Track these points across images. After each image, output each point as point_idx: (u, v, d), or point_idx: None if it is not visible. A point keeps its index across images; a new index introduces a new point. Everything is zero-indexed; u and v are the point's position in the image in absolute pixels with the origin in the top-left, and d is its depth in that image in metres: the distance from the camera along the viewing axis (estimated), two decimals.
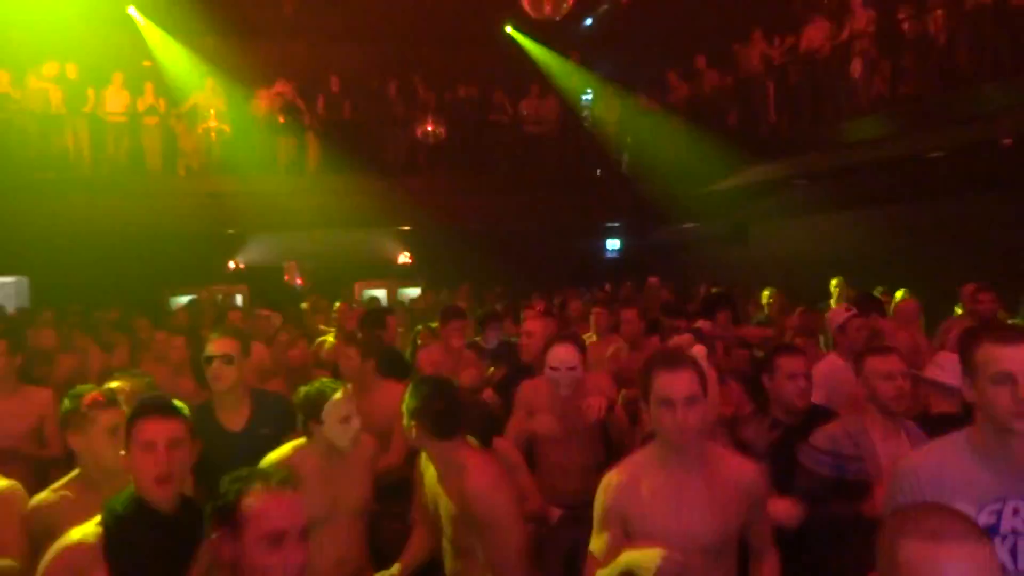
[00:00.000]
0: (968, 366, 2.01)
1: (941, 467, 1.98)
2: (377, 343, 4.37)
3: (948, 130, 8.42)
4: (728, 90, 11.48)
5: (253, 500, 1.64)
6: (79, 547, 2.02)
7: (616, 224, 15.08)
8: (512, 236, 14.25)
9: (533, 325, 4.60)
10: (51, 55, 11.59)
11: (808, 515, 2.75)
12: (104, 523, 2.07)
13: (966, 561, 1.22)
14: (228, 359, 3.23)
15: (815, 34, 10.06)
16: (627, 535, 2.24)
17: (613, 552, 2.21)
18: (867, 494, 2.67)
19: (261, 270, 13.96)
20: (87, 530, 2.07)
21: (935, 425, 3.33)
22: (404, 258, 14.90)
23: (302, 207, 12.19)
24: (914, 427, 2.90)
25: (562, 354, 3.57)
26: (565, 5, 6.66)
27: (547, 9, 6.63)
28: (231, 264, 14.15)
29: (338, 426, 2.79)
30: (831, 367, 4.13)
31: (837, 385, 3.90)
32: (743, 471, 2.32)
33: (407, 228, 14.17)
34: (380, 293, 13.50)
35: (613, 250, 16.13)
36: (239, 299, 12.82)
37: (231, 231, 13.33)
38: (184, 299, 13.06)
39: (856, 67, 8.98)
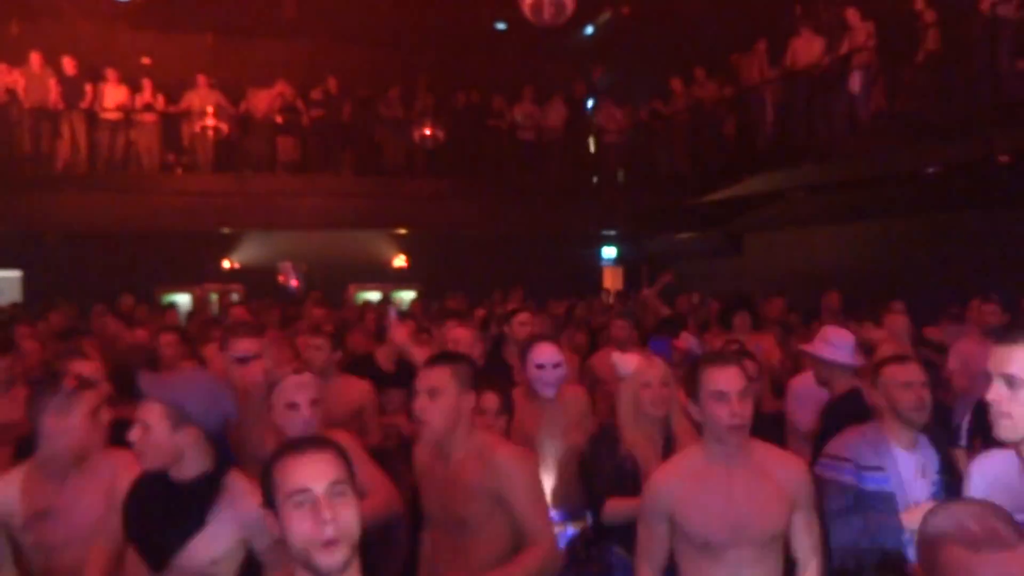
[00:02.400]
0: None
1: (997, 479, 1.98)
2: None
3: (945, 146, 8.46)
4: (726, 101, 11.51)
5: (280, 465, 1.66)
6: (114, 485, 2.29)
7: (612, 232, 15.08)
8: (508, 242, 14.24)
9: (458, 333, 4.38)
10: (49, 48, 11.55)
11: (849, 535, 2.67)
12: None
13: (1007, 568, 1.25)
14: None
15: (802, 47, 10.11)
16: (673, 530, 2.34)
17: (663, 548, 2.36)
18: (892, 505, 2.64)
19: (256, 270, 13.91)
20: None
21: (845, 404, 3.52)
22: (400, 261, 14.87)
23: (298, 208, 12.18)
24: (926, 440, 2.83)
25: (547, 351, 3.53)
26: (565, 12, 6.67)
27: (547, 16, 6.64)
28: (226, 263, 14.11)
29: (284, 411, 2.77)
30: (805, 384, 4.11)
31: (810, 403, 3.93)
32: (790, 467, 2.39)
33: (403, 231, 14.15)
34: (375, 296, 13.49)
35: (609, 258, 16.14)
36: (234, 298, 12.75)
37: (226, 230, 13.30)
38: (178, 297, 13.06)
39: (855, 81, 9.00)
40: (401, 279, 14.60)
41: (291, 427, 2.75)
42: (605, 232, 15.08)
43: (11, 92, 11.19)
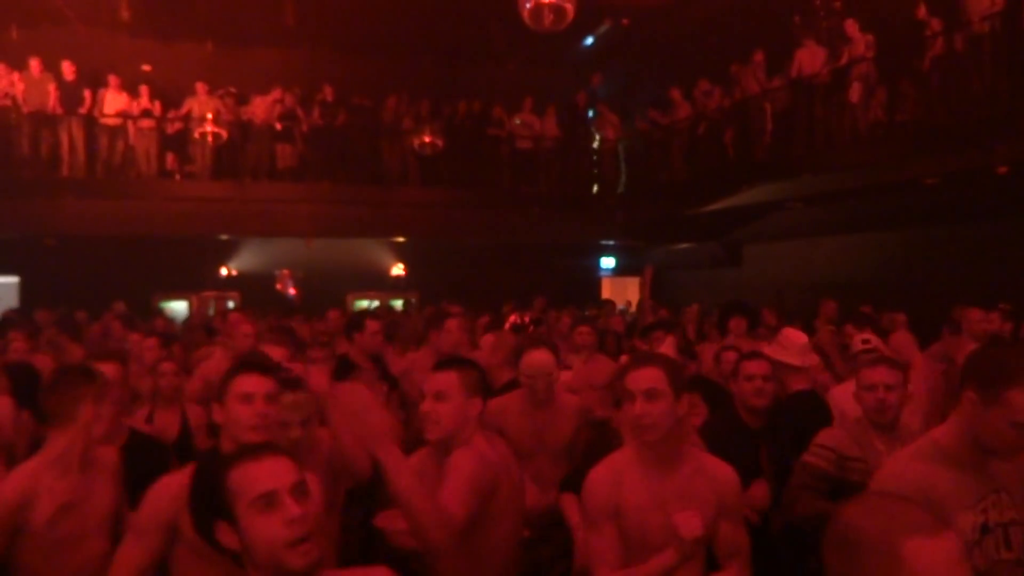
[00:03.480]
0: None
1: (926, 479, 2.01)
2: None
3: (944, 156, 8.45)
4: (725, 111, 11.53)
5: (238, 472, 1.61)
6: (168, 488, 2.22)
7: (611, 242, 15.07)
8: (507, 251, 14.23)
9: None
10: (48, 54, 11.56)
11: (808, 514, 2.79)
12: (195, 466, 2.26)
13: (955, 545, 1.27)
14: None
15: (806, 58, 10.13)
16: (620, 530, 2.26)
17: (614, 547, 2.25)
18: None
19: (253, 277, 13.89)
20: (181, 475, 2.26)
21: (794, 402, 3.61)
22: (398, 270, 14.85)
23: (297, 215, 12.17)
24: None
25: (538, 359, 3.52)
26: (566, 19, 6.67)
27: (547, 22, 6.64)
28: (223, 271, 14.08)
29: (275, 429, 2.74)
30: None
31: None
32: (719, 472, 2.34)
33: (401, 239, 14.14)
34: (373, 305, 13.45)
35: (607, 268, 16.12)
36: (231, 305, 12.73)
37: (225, 237, 13.28)
38: (174, 304, 13.03)
39: (855, 92, 9.00)
40: (399, 287, 14.57)
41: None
42: (604, 242, 15.07)
43: (11, 97, 11.18)
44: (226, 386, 2.32)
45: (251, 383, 2.30)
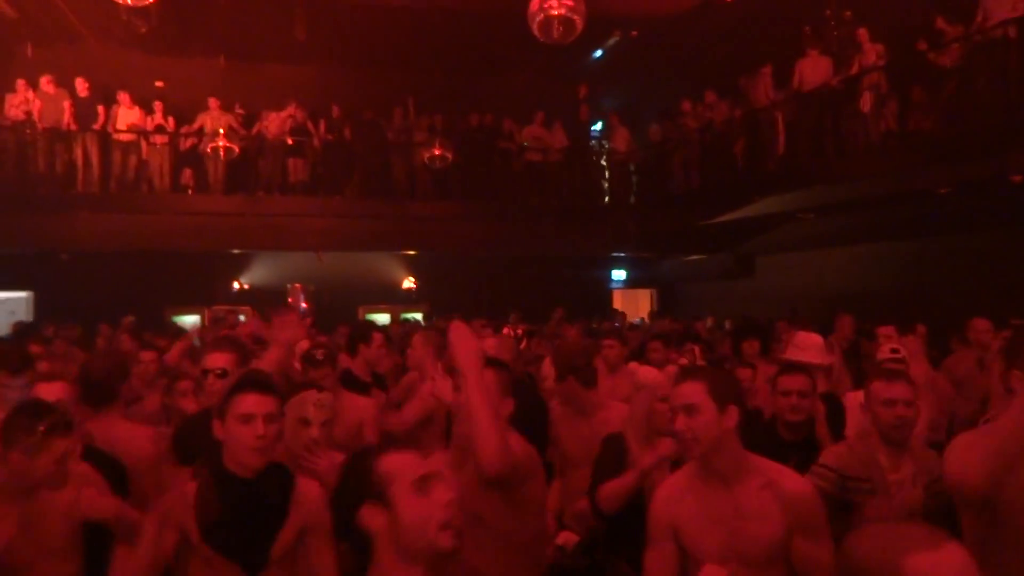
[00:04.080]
0: None
1: None
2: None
3: (957, 165, 8.38)
4: (736, 122, 11.50)
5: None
6: (180, 497, 2.26)
7: (622, 254, 15.04)
8: (518, 264, 14.23)
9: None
10: (63, 71, 11.70)
11: None
12: (198, 479, 2.28)
13: (958, 556, 1.27)
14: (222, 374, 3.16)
15: (808, 68, 10.12)
16: (680, 547, 2.25)
17: (668, 566, 2.24)
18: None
19: (265, 291, 13.94)
20: (190, 484, 2.29)
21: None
22: (409, 283, 14.86)
23: (308, 229, 12.21)
24: (923, 453, 2.82)
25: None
26: (575, 31, 6.68)
27: (556, 34, 6.65)
28: (235, 285, 14.14)
29: (294, 424, 2.74)
30: None
31: None
32: (791, 486, 2.26)
33: (412, 253, 14.16)
34: (384, 318, 13.46)
35: (618, 280, 16.09)
36: (242, 319, 12.74)
37: (237, 251, 13.34)
38: (186, 317, 13.07)
39: (865, 102, 8.96)
40: (410, 300, 14.59)
41: (295, 442, 2.72)
42: (615, 254, 15.04)
43: (26, 113, 11.31)
44: (226, 405, 2.28)
45: (251, 403, 2.26)
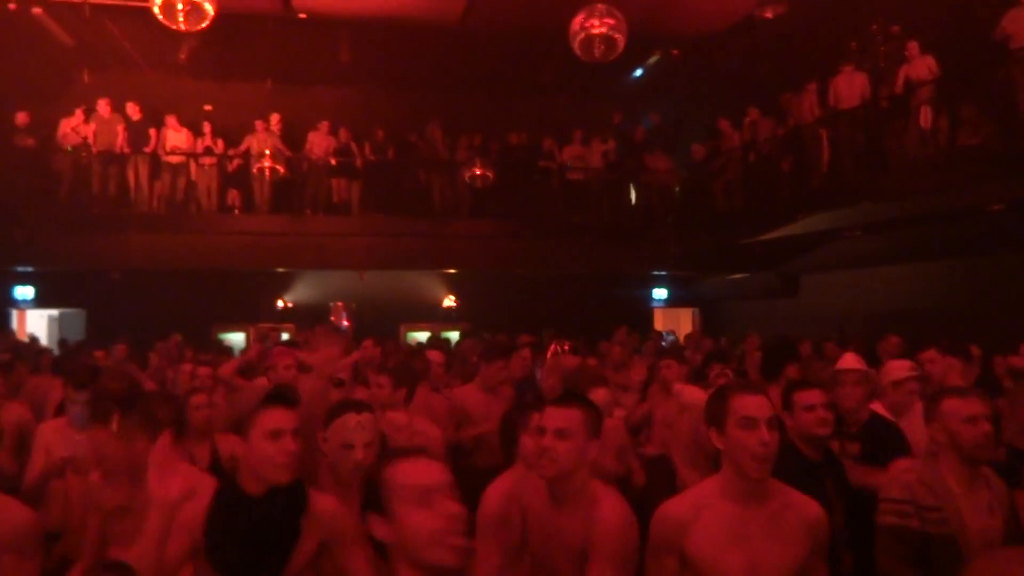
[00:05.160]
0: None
1: None
2: (410, 373, 4.29)
3: (1010, 182, 8.16)
4: (780, 139, 11.37)
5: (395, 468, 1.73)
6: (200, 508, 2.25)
7: (663, 273, 14.93)
8: (558, 282, 14.21)
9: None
10: (117, 95, 12.08)
11: None
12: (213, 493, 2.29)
13: None
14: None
15: (843, 84, 9.98)
16: (685, 569, 2.18)
17: None
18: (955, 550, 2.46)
19: (308, 309, 14.13)
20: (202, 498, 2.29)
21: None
22: (449, 301, 14.93)
23: (351, 248, 12.37)
24: (992, 474, 2.68)
25: (600, 397, 3.47)
26: (616, 50, 6.69)
27: (598, 53, 6.66)
28: (279, 303, 14.36)
29: (338, 449, 2.73)
30: None
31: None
32: (809, 509, 2.23)
33: (453, 271, 14.23)
34: (424, 336, 13.53)
35: (659, 299, 15.96)
36: (285, 337, 12.92)
37: (281, 269, 13.56)
38: (232, 335, 13.30)
39: (924, 116, 8.76)
40: (450, 319, 14.64)
41: (343, 465, 2.74)
42: (656, 272, 14.93)
43: (81, 138, 11.69)
44: (251, 420, 2.28)
45: (280, 418, 2.25)
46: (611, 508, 2.34)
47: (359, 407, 2.94)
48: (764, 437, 2.11)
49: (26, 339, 11.59)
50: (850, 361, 4.04)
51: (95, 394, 3.52)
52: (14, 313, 13.30)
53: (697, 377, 5.46)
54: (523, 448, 2.64)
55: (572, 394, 2.58)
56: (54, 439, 3.68)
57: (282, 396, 2.36)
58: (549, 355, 6.00)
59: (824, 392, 3.24)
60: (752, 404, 2.17)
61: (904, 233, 10.85)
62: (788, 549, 2.12)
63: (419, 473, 1.65)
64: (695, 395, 3.18)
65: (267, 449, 2.21)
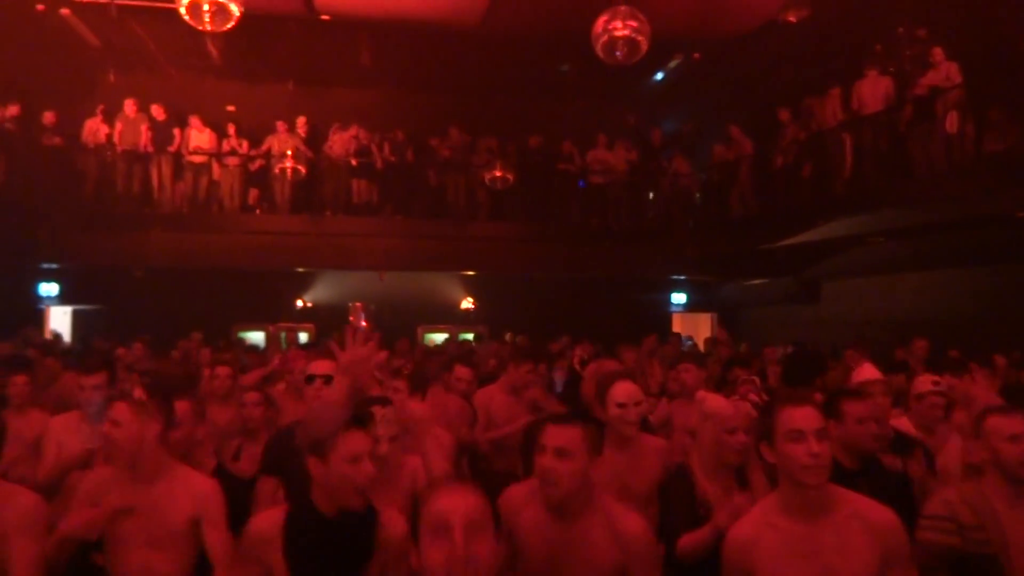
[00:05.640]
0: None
1: None
2: (424, 378, 4.30)
3: None
4: (802, 144, 11.27)
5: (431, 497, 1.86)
6: (267, 527, 2.24)
7: (682, 277, 14.85)
8: (576, 286, 14.18)
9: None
10: (142, 96, 12.21)
11: None
12: (287, 514, 2.28)
13: None
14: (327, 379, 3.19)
15: (867, 88, 9.87)
16: None
17: None
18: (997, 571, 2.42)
19: (327, 309, 14.20)
20: (274, 515, 2.29)
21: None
22: (467, 303, 14.94)
23: (371, 249, 12.41)
24: None
25: (628, 389, 3.38)
26: (639, 52, 6.66)
27: (620, 55, 6.63)
28: (299, 302, 14.44)
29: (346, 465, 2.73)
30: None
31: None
32: (879, 516, 2.16)
33: (472, 273, 14.24)
34: (441, 338, 13.55)
35: (678, 304, 15.87)
36: (304, 336, 13.00)
37: (301, 269, 13.63)
38: (252, 334, 13.39)
39: (951, 122, 8.64)
40: (468, 321, 14.65)
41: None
42: (675, 277, 14.86)
43: (105, 136, 11.83)
44: (332, 443, 2.26)
45: (360, 443, 2.26)
46: (635, 521, 2.35)
47: (382, 401, 2.94)
48: (813, 448, 2.10)
49: (49, 336, 11.76)
50: (871, 371, 3.97)
51: (152, 378, 3.55)
52: (48, 310, 13.50)
53: (721, 382, 5.40)
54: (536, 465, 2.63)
55: (572, 412, 2.56)
56: (66, 434, 3.66)
57: (360, 419, 2.37)
58: (575, 361, 5.97)
59: (872, 404, 3.17)
60: (799, 416, 2.16)
61: (928, 240, 10.72)
62: (859, 560, 2.07)
63: (444, 505, 1.71)
64: (718, 403, 3.12)
65: (347, 472, 2.22)
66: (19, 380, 4.27)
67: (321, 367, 3.19)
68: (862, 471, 3.04)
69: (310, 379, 3.21)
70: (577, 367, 5.76)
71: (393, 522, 2.32)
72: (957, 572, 2.50)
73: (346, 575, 2.22)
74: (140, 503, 2.64)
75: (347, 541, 2.23)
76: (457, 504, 1.71)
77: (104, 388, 3.74)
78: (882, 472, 3.13)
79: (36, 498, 2.58)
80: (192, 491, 2.69)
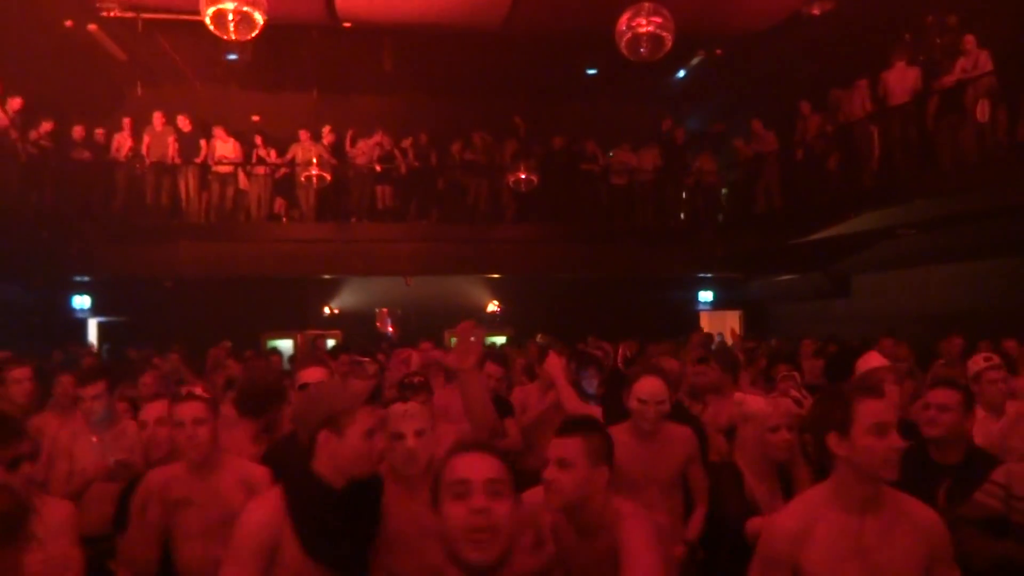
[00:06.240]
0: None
1: None
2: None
3: None
4: (828, 136, 11.14)
5: (447, 461, 1.85)
6: (269, 511, 2.20)
7: (709, 275, 14.74)
8: (602, 286, 14.13)
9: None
10: (168, 108, 12.37)
11: (978, 552, 2.55)
12: (287, 492, 2.25)
13: None
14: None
15: (895, 79, 9.73)
16: None
17: None
18: None
19: (354, 316, 14.27)
20: (269, 500, 2.25)
21: None
22: (493, 306, 14.95)
23: (396, 254, 12.47)
24: None
25: (652, 386, 3.40)
26: (663, 48, 6.62)
27: (644, 52, 6.60)
28: (326, 309, 14.53)
29: (389, 441, 2.70)
30: None
31: None
32: (924, 516, 2.14)
33: (497, 276, 14.25)
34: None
35: (705, 302, 15.76)
36: (331, 343, 13.05)
37: (327, 276, 13.72)
38: (280, 342, 13.48)
39: (982, 110, 8.49)
40: (494, 324, 14.65)
41: (394, 456, 2.73)
42: (701, 275, 14.76)
43: (135, 149, 12.00)
44: (349, 419, 2.27)
45: (373, 417, 2.30)
46: (634, 527, 2.26)
47: (406, 395, 2.96)
48: (896, 443, 2.07)
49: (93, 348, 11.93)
50: (877, 358, 3.92)
51: (241, 389, 3.65)
52: (89, 322, 13.72)
53: (764, 379, 5.34)
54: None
55: (575, 422, 2.52)
56: (72, 444, 3.73)
57: (373, 395, 2.42)
58: (619, 359, 5.93)
59: (952, 394, 3.10)
60: (882, 409, 2.11)
61: (960, 230, 10.53)
62: (906, 559, 2.05)
63: (463, 467, 1.71)
64: (757, 404, 3.11)
65: (362, 447, 2.25)
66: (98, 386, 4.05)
67: (312, 375, 3.29)
68: (956, 467, 3.04)
69: (303, 387, 3.29)
70: (620, 366, 5.70)
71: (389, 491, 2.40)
72: (1002, 537, 2.57)
73: (359, 543, 2.28)
74: (197, 495, 2.74)
75: (357, 510, 2.28)
76: (476, 464, 1.72)
77: (104, 397, 3.77)
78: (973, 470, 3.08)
79: (69, 506, 2.68)
80: (247, 481, 2.78)
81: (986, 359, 3.96)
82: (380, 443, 2.32)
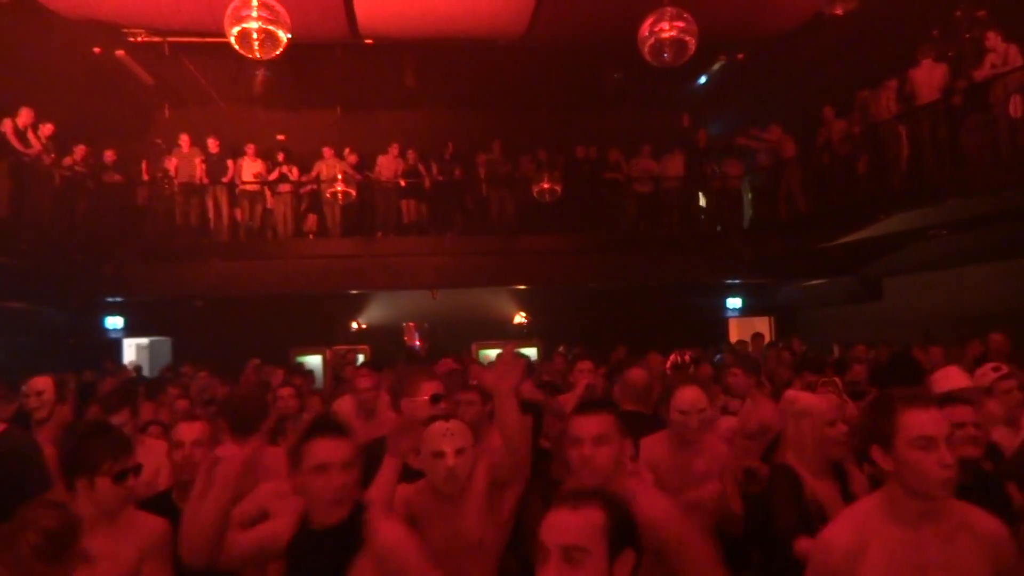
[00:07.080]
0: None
1: None
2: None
3: None
4: (855, 138, 11.00)
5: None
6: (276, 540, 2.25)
7: (737, 281, 14.60)
8: (629, 295, 14.04)
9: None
10: (195, 130, 12.56)
11: None
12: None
13: None
14: None
15: (922, 77, 9.58)
16: None
17: None
18: None
19: (382, 330, 14.32)
20: (283, 528, 2.27)
21: None
22: (520, 318, 14.91)
23: (423, 267, 12.50)
24: None
25: (691, 396, 3.38)
26: (687, 53, 6.59)
27: (668, 57, 6.58)
28: (354, 324, 14.59)
29: (430, 459, 2.74)
30: None
31: None
32: (988, 527, 2.01)
33: (523, 288, 14.23)
34: (495, 353, 13.52)
35: (734, 308, 15.60)
36: (360, 358, 13.12)
37: (355, 291, 13.79)
38: (309, 358, 13.56)
39: (1015, 106, 8.33)
40: (521, 335, 14.61)
41: (434, 474, 2.72)
42: (729, 281, 14.62)
43: (164, 171, 12.18)
44: (300, 452, 2.24)
45: (326, 451, 2.20)
46: (648, 502, 2.30)
47: (447, 415, 2.94)
48: (945, 458, 1.91)
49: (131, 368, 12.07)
50: (957, 374, 3.77)
51: (225, 409, 3.64)
52: (125, 343, 13.92)
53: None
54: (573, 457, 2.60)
55: (595, 402, 2.65)
56: None
57: (330, 425, 2.25)
58: (668, 366, 5.91)
59: (966, 409, 2.92)
60: (928, 421, 1.95)
61: (993, 230, 10.31)
62: (969, 574, 1.94)
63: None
64: (810, 399, 3.05)
65: (314, 483, 2.14)
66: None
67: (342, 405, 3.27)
68: (1014, 463, 3.02)
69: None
70: (670, 373, 5.64)
71: (388, 531, 2.17)
72: None
73: None
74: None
75: (332, 553, 2.13)
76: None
77: (128, 424, 3.75)
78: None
79: (165, 523, 2.57)
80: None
81: (994, 369, 3.81)
82: (337, 480, 2.15)
